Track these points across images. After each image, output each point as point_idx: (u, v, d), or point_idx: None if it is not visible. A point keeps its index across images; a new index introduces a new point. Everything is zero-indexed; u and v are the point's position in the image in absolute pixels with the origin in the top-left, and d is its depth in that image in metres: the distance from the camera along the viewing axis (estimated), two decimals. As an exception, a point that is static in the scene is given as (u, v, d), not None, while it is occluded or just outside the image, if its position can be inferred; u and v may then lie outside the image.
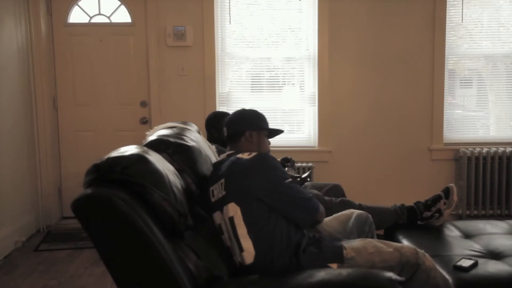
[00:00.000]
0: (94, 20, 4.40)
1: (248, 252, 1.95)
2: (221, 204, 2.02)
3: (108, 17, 4.40)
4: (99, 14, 4.41)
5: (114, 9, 4.40)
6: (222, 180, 2.02)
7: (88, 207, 1.57)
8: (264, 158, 2.02)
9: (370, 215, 2.36)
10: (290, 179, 2.02)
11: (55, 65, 4.40)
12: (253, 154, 2.03)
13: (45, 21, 4.27)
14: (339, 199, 2.86)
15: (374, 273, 1.77)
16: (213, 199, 2.07)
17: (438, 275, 1.97)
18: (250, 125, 2.20)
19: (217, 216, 2.07)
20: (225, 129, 2.24)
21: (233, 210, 1.96)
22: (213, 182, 2.08)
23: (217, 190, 2.04)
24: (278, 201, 1.97)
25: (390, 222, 2.75)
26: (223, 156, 2.19)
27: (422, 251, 2.00)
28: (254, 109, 2.30)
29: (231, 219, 1.97)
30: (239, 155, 2.05)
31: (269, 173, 1.98)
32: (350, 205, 2.73)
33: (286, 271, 1.91)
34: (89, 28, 4.39)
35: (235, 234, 1.97)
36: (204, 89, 4.37)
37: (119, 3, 4.38)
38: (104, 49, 4.40)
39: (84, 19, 4.40)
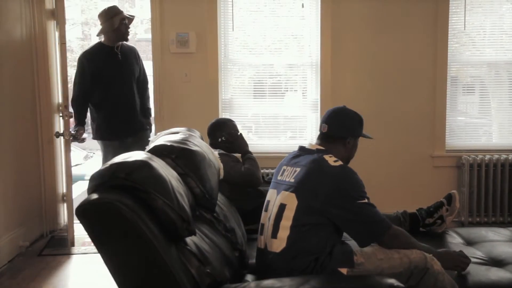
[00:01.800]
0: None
1: (280, 241, 1.96)
2: (282, 187, 2.04)
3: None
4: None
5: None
6: (298, 169, 2.03)
7: (92, 212, 1.59)
8: (347, 173, 2.01)
9: None
10: (365, 200, 1.99)
11: (57, 68, 4.30)
12: (339, 163, 2.02)
13: (50, 21, 4.21)
14: None
15: (376, 281, 1.78)
16: (279, 177, 2.10)
17: (446, 280, 1.98)
18: (353, 132, 2.18)
19: (272, 193, 2.11)
20: (325, 125, 2.16)
21: (290, 200, 1.97)
22: (290, 164, 2.10)
23: (287, 173, 2.06)
24: (341, 217, 1.97)
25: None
26: (313, 146, 2.15)
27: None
28: (357, 112, 2.22)
29: (282, 206, 1.98)
30: (326, 156, 2.03)
31: (345, 188, 1.98)
32: None
33: (301, 272, 1.91)
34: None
35: (277, 220, 1.98)
36: (207, 96, 4.38)
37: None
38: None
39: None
